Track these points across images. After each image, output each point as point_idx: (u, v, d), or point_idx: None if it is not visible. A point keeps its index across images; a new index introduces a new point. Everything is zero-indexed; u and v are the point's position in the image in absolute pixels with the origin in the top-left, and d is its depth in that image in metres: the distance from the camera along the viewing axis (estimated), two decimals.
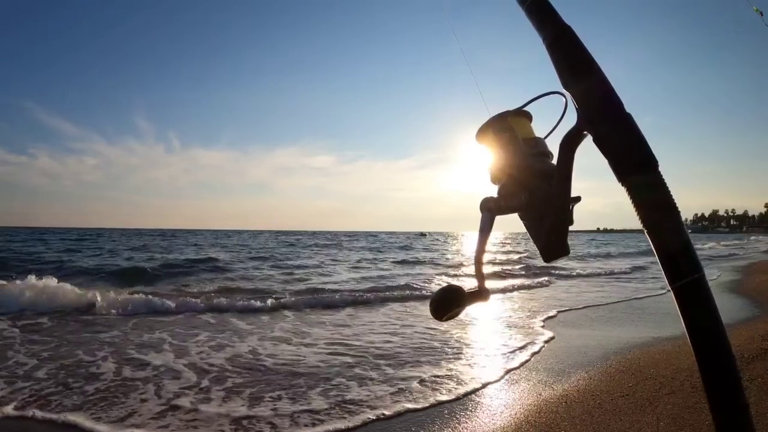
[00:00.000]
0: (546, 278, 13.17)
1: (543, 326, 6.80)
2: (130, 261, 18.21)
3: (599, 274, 15.59)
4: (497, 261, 20.45)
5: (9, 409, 3.66)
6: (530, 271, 15.46)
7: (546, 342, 5.76)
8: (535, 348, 5.46)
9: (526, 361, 4.92)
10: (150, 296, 8.99)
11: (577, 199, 0.60)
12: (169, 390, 4.11)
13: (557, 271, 15.06)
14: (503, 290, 10.94)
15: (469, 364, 4.88)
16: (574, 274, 15.42)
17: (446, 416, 3.53)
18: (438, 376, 4.45)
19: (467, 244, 46.34)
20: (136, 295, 9.00)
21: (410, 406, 3.73)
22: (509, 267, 17.33)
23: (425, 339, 6.07)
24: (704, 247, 36.30)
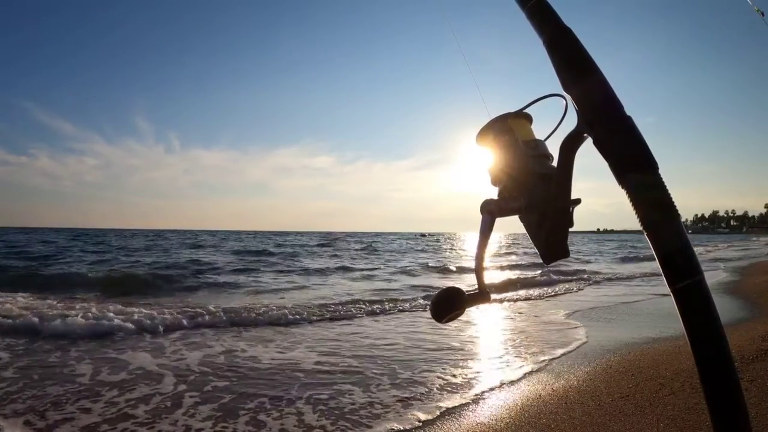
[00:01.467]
0: (565, 285, 12.52)
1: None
2: (117, 266, 16.93)
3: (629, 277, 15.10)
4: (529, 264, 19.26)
5: None
6: (546, 275, 14.44)
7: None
8: (543, 354, 5.46)
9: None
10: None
11: (577, 201, 0.60)
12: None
13: (576, 276, 14.51)
14: (525, 297, 10.31)
15: (471, 366, 4.88)
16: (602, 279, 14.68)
17: (446, 418, 3.52)
18: (438, 379, 4.45)
19: (471, 246, 46.05)
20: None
21: (421, 415, 3.73)
22: (532, 272, 15.97)
23: (426, 344, 6.07)
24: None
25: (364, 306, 8.89)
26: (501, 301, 9.65)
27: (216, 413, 3.59)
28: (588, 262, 22.79)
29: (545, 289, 11.97)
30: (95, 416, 3.51)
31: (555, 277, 14.05)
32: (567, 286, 12.48)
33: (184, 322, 6.98)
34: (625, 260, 25.34)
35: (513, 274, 15.47)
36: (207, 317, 7.29)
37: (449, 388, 4.13)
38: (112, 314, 7.09)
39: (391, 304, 9.18)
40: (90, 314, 7.04)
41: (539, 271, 15.19)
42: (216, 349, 5.56)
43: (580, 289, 11.87)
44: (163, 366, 4.82)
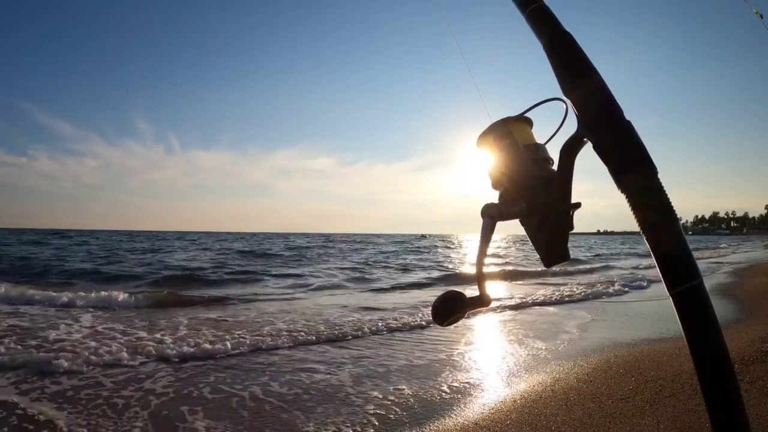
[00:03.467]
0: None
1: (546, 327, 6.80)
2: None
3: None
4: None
5: None
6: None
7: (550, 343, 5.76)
8: (538, 351, 5.46)
9: (526, 363, 4.92)
10: None
11: (578, 204, 0.61)
12: None
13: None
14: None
15: (471, 368, 4.88)
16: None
17: (445, 419, 3.52)
18: (438, 380, 4.45)
19: (477, 248, 45.07)
20: None
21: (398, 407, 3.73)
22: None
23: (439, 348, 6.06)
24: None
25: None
26: (525, 306, 9.25)
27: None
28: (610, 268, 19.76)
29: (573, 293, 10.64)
30: None
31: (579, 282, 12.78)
32: (593, 290, 11.13)
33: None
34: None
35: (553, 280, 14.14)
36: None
37: (449, 389, 4.13)
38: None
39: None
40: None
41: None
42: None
43: (614, 294, 10.79)
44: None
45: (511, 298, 9.91)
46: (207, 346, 5.55)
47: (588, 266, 19.48)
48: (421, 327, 6.89)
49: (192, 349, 5.44)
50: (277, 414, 3.63)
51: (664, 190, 0.52)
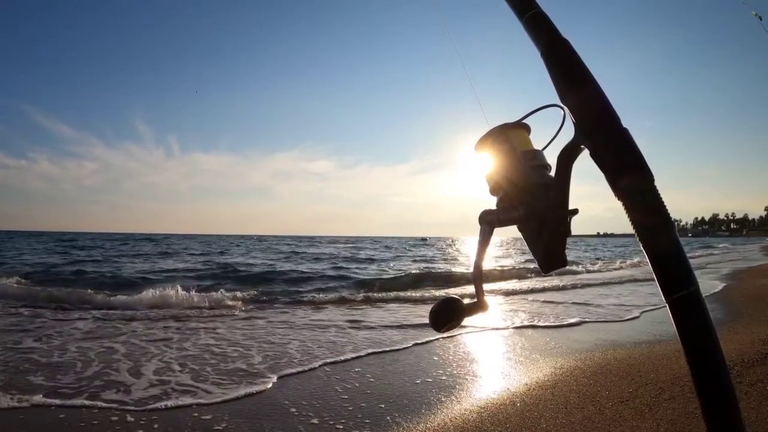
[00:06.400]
0: None
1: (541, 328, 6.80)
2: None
3: None
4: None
5: None
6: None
7: (546, 345, 5.75)
8: (536, 352, 5.45)
9: (525, 365, 4.91)
10: None
11: (575, 211, 0.61)
12: None
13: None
14: None
15: (470, 369, 4.87)
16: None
17: (443, 421, 3.52)
18: (437, 382, 4.44)
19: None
20: None
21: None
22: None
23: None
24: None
25: None
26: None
27: None
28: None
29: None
30: None
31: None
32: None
33: None
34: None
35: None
36: None
37: (449, 392, 4.12)
38: None
39: None
40: None
41: None
42: None
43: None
44: None
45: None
46: None
47: None
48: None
49: None
50: None
51: (660, 197, 0.53)
